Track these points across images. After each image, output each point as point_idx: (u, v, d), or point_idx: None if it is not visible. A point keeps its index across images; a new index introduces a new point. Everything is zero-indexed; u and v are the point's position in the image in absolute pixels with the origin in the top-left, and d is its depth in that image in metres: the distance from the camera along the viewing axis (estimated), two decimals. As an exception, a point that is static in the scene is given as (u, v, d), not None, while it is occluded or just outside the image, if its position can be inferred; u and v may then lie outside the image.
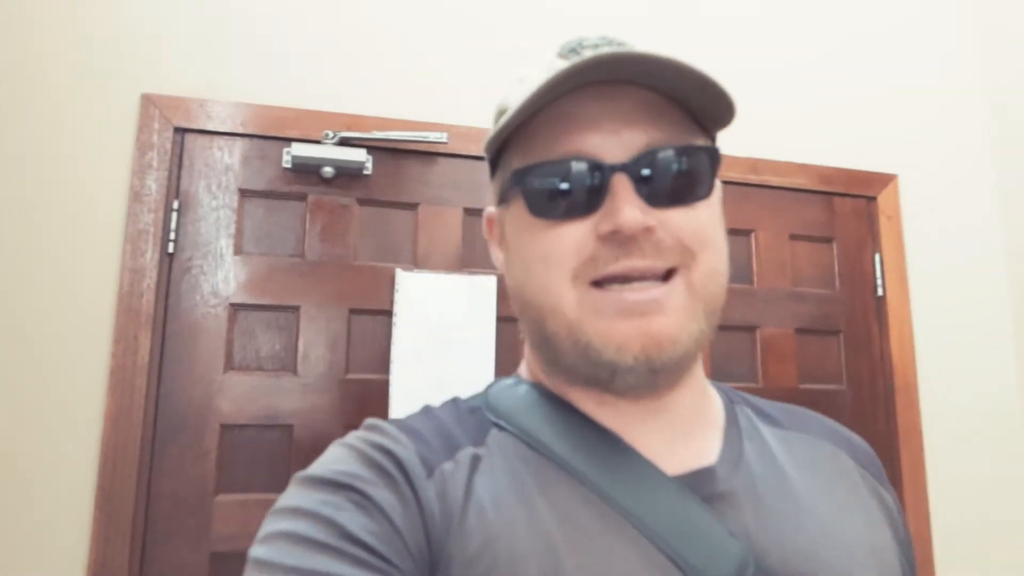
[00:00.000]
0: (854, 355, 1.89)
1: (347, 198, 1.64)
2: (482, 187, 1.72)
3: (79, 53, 1.54)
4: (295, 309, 1.58)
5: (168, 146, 1.54)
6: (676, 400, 0.54)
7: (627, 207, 0.47)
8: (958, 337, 1.94)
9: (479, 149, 1.70)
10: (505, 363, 1.65)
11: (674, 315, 0.48)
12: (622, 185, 0.48)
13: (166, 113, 1.55)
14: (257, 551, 0.44)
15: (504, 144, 0.56)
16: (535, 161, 0.51)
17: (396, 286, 1.60)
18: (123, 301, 1.47)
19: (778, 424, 0.61)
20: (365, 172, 1.64)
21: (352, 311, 1.61)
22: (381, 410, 1.56)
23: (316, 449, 1.53)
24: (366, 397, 1.57)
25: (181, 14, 1.61)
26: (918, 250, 1.96)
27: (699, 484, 0.51)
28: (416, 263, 1.66)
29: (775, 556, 0.49)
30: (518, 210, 0.54)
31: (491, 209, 0.62)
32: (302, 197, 1.62)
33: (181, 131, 1.56)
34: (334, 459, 0.49)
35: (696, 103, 0.52)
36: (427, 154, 1.69)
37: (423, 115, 1.69)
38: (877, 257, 1.94)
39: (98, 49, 1.55)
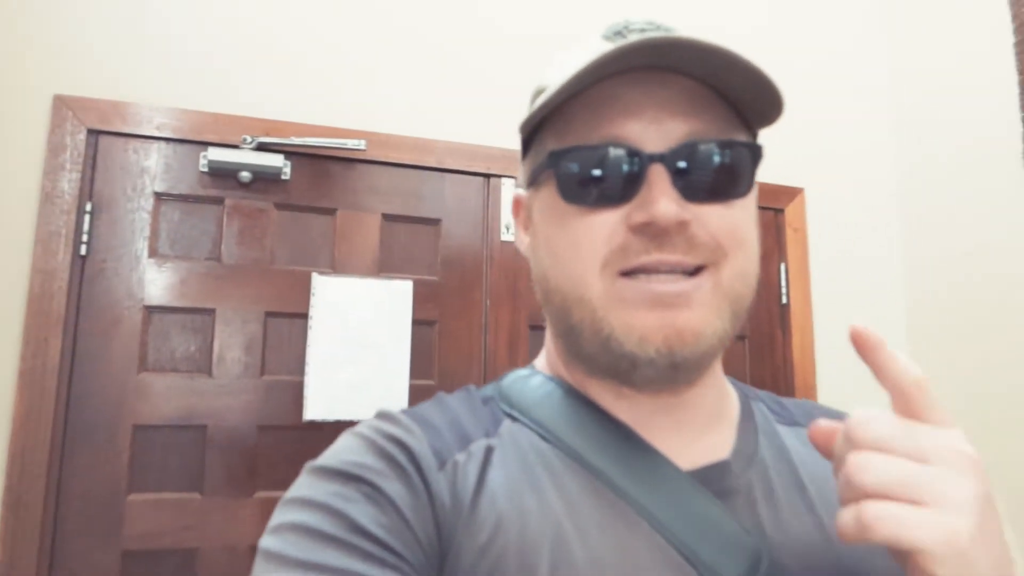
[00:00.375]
0: (758, 360, 1.99)
1: (265, 203, 1.66)
2: (400, 193, 1.76)
3: (-11, 51, 1.53)
4: (211, 312, 1.60)
5: (81, 148, 1.54)
6: (695, 397, 0.53)
7: (663, 199, 0.46)
8: (856, 343, 2.05)
9: (398, 156, 1.74)
10: (420, 366, 1.70)
11: (700, 310, 0.47)
12: (659, 176, 0.47)
13: (79, 115, 1.54)
14: (267, 542, 0.44)
15: (539, 125, 0.54)
16: (571, 144, 0.50)
17: (313, 290, 1.64)
18: (33, 303, 1.47)
19: (793, 421, 0.61)
20: (283, 177, 1.66)
21: (268, 314, 1.63)
22: (296, 411, 1.60)
23: (231, 449, 1.56)
24: (281, 398, 1.61)
25: (96, 14, 1.60)
26: (821, 261, 2.06)
27: (713, 479, 0.51)
28: (334, 268, 1.69)
29: (789, 552, 0.49)
30: (549, 194, 0.52)
31: (519, 191, 0.61)
32: (219, 201, 1.63)
33: (95, 133, 1.56)
34: (346, 449, 0.49)
35: (742, 96, 0.50)
36: (346, 160, 1.72)
37: (342, 122, 1.72)
38: (783, 267, 2.04)
39: (10, 48, 1.54)
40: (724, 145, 0.49)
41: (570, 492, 0.49)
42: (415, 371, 1.69)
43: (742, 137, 0.51)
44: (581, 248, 0.49)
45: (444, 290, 1.76)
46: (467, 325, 1.77)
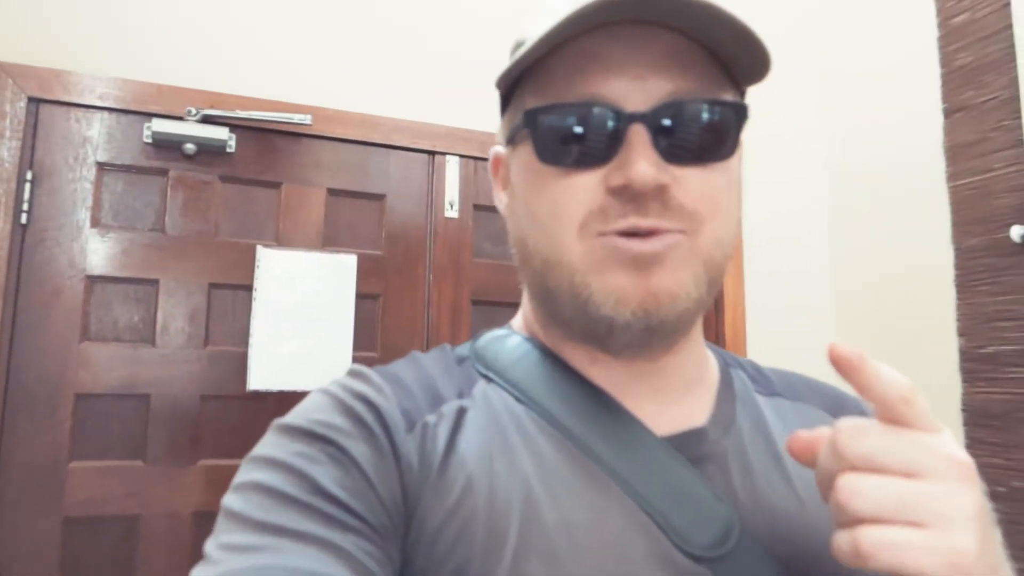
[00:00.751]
0: (693, 336, 2.08)
1: (209, 175, 1.68)
2: (345, 169, 1.78)
3: (-75, 15, 1.51)
4: (154, 283, 1.61)
5: (22, 116, 1.53)
6: (673, 363, 0.53)
7: (641, 161, 0.45)
8: (784, 320, 2.15)
9: (344, 132, 1.77)
10: (363, 339, 1.74)
11: (674, 271, 0.47)
12: (639, 137, 0.46)
13: (19, 82, 1.54)
14: (229, 499, 0.44)
15: (518, 80, 0.52)
16: (549, 103, 0.48)
17: (257, 262, 1.66)
18: (-28, 271, 1.47)
19: (773, 391, 0.60)
20: (228, 150, 1.67)
21: (213, 285, 1.65)
22: (240, 381, 1.63)
23: (174, 418, 1.59)
24: (225, 369, 1.63)
25: (37, -19, 1.59)
26: (754, 242, 2.15)
27: (688, 445, 0.51)
28: (278, 241, 1.72)
29: (761, 521, 0.49)
30: (526, 154, 0.51)
31: (499, 148, 0.59)
32: (163, 172, 1.64)
33: (36, 101, 1.55)
34: (314, 407, 0.48)
35: (729, 53, 0.48)
36: (291, 134, 1.74)
37: (288, 96, 1.73)
38: (718, 247, 2.12)
39: (-54, 12, 1.52)
40: (708, 104, 0.47)
41: (543, 455, 0.48)
42: (358, 344, 1.73)
43: (728, 96, 0.50)
44: (558, 210, 0.48)
45: (388, 265, 1.80)
46: (410, 300, 1.81)
